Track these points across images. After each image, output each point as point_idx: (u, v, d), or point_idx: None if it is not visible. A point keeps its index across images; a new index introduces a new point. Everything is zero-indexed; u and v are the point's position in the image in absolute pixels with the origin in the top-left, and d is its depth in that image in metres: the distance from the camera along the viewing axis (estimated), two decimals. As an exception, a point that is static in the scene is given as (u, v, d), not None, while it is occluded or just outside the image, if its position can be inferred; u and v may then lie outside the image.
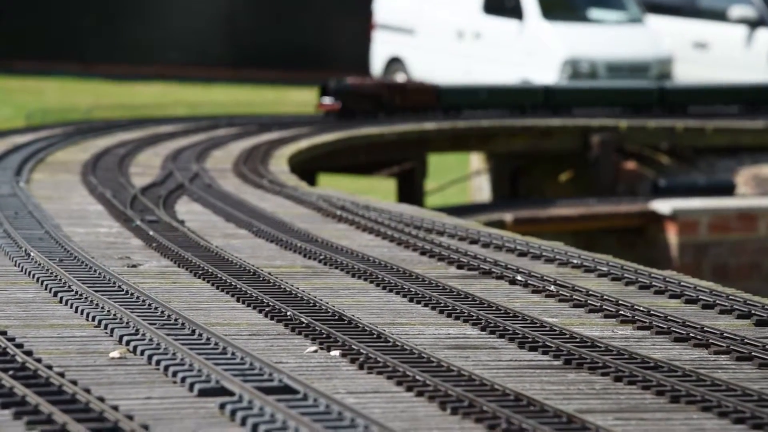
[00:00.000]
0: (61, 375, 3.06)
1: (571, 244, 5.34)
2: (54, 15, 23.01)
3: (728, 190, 11.09)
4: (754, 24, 17.36)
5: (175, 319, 3.65)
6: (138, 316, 3.65)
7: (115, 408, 2.85)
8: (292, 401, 2.93)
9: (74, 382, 3.00)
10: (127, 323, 3.61)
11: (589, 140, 11.32)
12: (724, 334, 3.68)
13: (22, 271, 4.37)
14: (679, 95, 12.57)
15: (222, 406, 2.94)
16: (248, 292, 4.12)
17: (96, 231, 5.34)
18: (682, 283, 4.43)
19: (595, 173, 11.32)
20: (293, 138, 9.23)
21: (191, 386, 3.09)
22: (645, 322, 3.90)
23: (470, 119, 11.02)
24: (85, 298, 3.92)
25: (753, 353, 3.51)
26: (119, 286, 4.05)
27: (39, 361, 3.17)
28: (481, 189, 12.37)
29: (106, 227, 5.45)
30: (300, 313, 3.83)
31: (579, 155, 11.36)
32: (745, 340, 3.61)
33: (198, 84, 18.74)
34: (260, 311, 3.93)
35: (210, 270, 4.44)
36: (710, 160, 11.50)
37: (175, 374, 3.18)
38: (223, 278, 4.31)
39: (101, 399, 2.89)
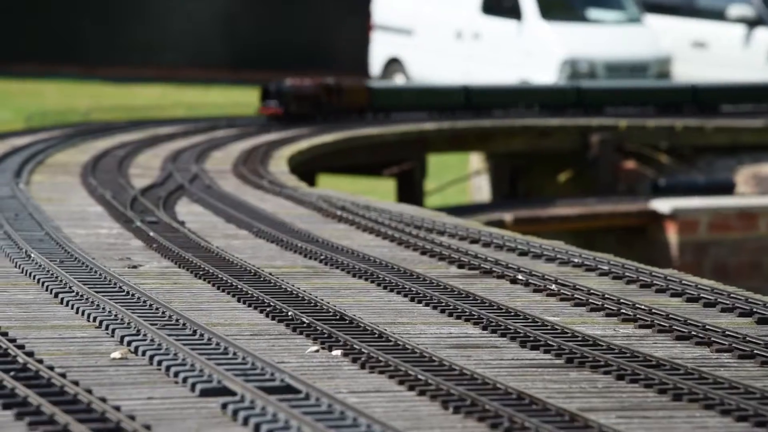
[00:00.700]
0: (63, 376, 3.06)
1: (570, 244, 5.33)
2: (53, 17, 23.00)
3: (728, 189, 11.08)
4: (752, 23, 17.36)
5: (176, 320, 3.64)
6: (139, 316, 3.65)
7: (117, 408, 2.84)
8: (294, 401, 2.93)
9: (76, 383, 3.00)
10: (128, 324, 3.61)
11: (589, 140, 11.32)
12: (726, 333, 3.68)
13: (22, 272, 4.37)
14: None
15: (224, 406, 2.94)
16: (249, 292, 4.11)
17: (96, 232, 5.34)
18: (683, 282, 4.43)
19: (595, 173, 11.32)
20: (293, 139, 9.22)
21: (193, 386, 3.08)
22: (646, 321, 3.90)
23: (469, 120, 10.99)
24: (86, 299, 3.92)
25: (755, 351, 3.51)
26: (120, 287, 4.05)
27: (40, 362, 3.16)
28: (481, 189, 12.37)
29: (106, 228, 5.45)
30: (301, 313, 3.82)
31: (578, 155, 11.35)
32: (747, 338, 3.61)
33: (197, 85, 18.73)
34: (261, 311, 3.93)
35: (211, 270, 4.43)
36: (710, 159, 11.49)
37: (176, 374, 3.17)
38: (224, 279, 4.31)
39: (103, 399, 2.89)
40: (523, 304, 4.14)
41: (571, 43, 16.86)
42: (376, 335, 3.60)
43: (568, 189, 11.44)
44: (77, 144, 8.57)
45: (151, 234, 5.14)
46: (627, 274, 4.62)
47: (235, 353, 3.29)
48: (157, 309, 3.77)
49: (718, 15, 17.75)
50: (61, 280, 4.15)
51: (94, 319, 3.72)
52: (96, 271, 4.27)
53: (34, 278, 4.25)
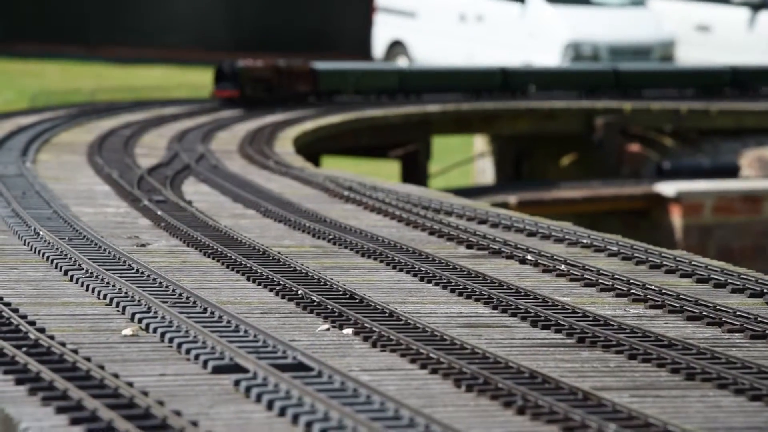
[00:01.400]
0: (75, 352, 3.05)
1: (576, 226, 5.32)
2: (56, -3, 22.85)
3: (732, 172, 11.07)
4: (756, 6, 17.31)
5: (187, 298, 3.64)
6: (150, 294, 3.65)
7: (130, 384, 2.84)
8: (307, 378, 2.92)
9: (88, 359, 3.00)
10: (139, 301, 3.60)
11: (593, 122, 11.29)
12: (737, 313, 3.68)
13: (31, 250, 4.36)
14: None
15: (237, 383, 2.94)
16: (259, 271, 4.11)
17: (104, 211, 5.33)
18: (692, 263, 4.42)
19: (599, 155, 11.30)
20: (298, 120, 9.20)
21: (205, 363, 3.08)
22: (657, 301, 3.90)
23: (474, 102, 10.95)
24: (96, 276, 3.91)
25: (766, 331, 3.50)
26: (129, 265, 4.04)
27: (52, 338, 3.16)
28: (485, 171, 12.35)
29: (113, 207, 5.44)
30: (311, 291, 3.82)
31: (583, 137, 11.33)
32: (759, 319, 3.60)
33: (200, 67, 18.68)
34: (271, 290, 3.93)
35: (219, 249, 4.43)
36: (714, 142, 11.48)
37: (188, 351, 3.17)
38: (233, 257, 4.30)
39: (116, 375, 2.89)
40: (532, 283, 4.14)
41: (575, 26, 16.81)
42: (387, 314, 3.59)
43: (573, 172, 11.43)
44: (83, 123, 8.55)
45: (159, 213, 5.13)
46: (636, 254, 4.62)
47: (246, 331, 3.28)
48: (167, 287, 3.77)
49: (723, -2, 17.67)
50: (70, 258, 4.14)
51: (105, 297, 3.72)
52: (105, 249, 4.26)
53: (43, 256, 4.25)
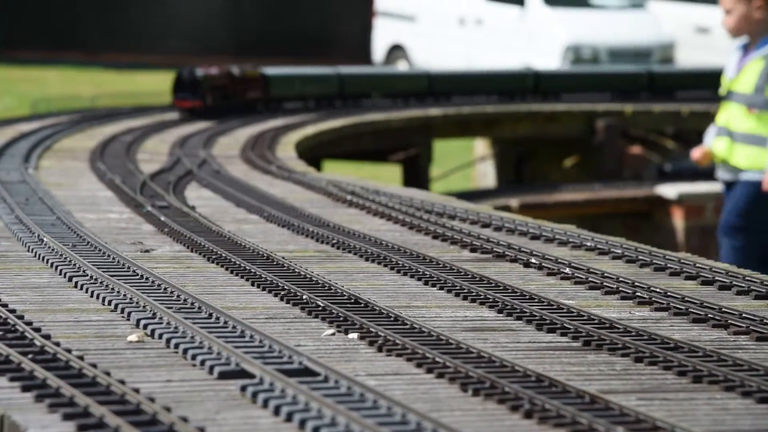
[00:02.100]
0: (81, 358, 3.05)
1: (577, 229, 5.32)
2: (55, 4, 22.92)
3: None
4: (756, 9, 17.26)
5: (192, 303, 3.64)
6: (154, 300, 3.64)
7: (137, 390, 2.83)
8: (313, 383, 2.92)
9: (94, 366, 2.99)
10: (144, 307, 3.60)
11: (594, 125, 11.30)
12: (743, 315, 3.67)
13: (35, 256, 4.36)
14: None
15: (243, 389, 2.93)
16: (263, 276, 4.10)
17: (107, 217, 5.33)
18: (697, 265, 4.42)
19: (601, 158, 11.30)
20: (300, 124, 9.20)
21: (211, 369, 3.08)
22: (662, 304, 3.89)
23: (474, 105, 10.94)
24: (101, 282, 3.91)
25: (772, 333, 3.50)
26: (134, 271, 4.04)
27: (58, 344, 3.16)
28: (486, 175, 12.35)
29: (117, 213, 5.44)
30: (316, 296, 3.81)
31: (584, 140, 11.33)
32: (765, 321, 3.60)
33: (200, 72, 18.58)
34: (276, 295, 3.92)
35: (223, 255, 4.42)
36: (716, 145, 11.44)
37: (194, 357, 3.17)
38: (237, 263, 4.30)
39: (122, 382, 2.88)
40: (537, 287, 4.13)
41: (575, 29, 16.84)
42: (392, 318, 3.59)
43: (574, 174, 11.42)
44: (84, 129, 8.55)
45: (162, 218, 5.13)
46: (640, 257, 4.61)
47: (252, 336, 3.28)
48: (171, 292, 3.76)
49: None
50: (74, 264, 4.14)
51: (109, 303, 3.71)
52: (109, 255, 4.26)
53: (47, 262, 4.25)
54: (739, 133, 7.43)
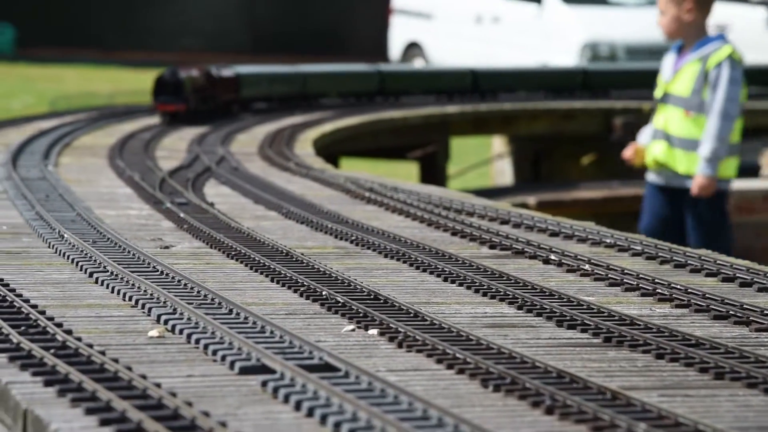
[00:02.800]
0: (102, 353, 3.06)
1: (595, 227, 5.30)
2: (72, 3, 22.98)
3: (753, 171, 11.02)
4: (775, 6, 17.18)
5: (212, 299, 3.64)
6: (174, 295, 3.65)
7: (158, 385, 2.84)
8: (334, 379, 2.92)
9: (116, 361, 3.00)
10: (164, 303, 3.61)
11: (612, 122, 11.26)
12: (765, 312, 3.65)
13: (56, 252, 4.37)
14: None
15: (264, 384, 2.94)
16: (282, 272, 4.11)
17: (127, 213, 5.34)
18: (717, 262, 4.40)
19: (618, 156, 11.26)
20: (317, 121, 9.21)
21: (232, 364, 3.08)
22: (683, 300, 3.88)
23: (492, 102, 10.92)
24: (121, 278, 3.92)
25: (794, 330, 3.49)
26: (154, 267, 4.05)
27: (79, 339, 3.17)
28: (503, 173, 12.33)
29: (136, 209, 5.45)
30: (335, 292, 3.82)
31: (601, 138, 11.30)
32: (786, 318, 3.58)
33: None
34: (295, 291, 3.93)
35: (242, 251, 4.43)
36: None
37: (215, 353, 3.17)
38: (257, 259, 4.30)
39: (144, 377, 2.89)
40: (557, 283, 4.12)
41: (592, 26, 16.80)
42: (412, 314, 3.59)
43: (591, 172, 11.39)
44: (102, 127, 8.57)
45: (182, 215, 5.14)
46: (660, 254, 4.60)
47: (272, 332, 3.28)
48: (191, 288, 3.77)
49: (741, -3, 17.62)
50: (95, 260, 4.15)
51: (130, 298, 3.72)
52: (129, 252, 4.27)
53: (67, 258, 4.26)
54: (677, 137, 7.35)
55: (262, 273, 4.17)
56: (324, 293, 3.83)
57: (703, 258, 4.47)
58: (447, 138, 10.78)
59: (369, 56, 19.15)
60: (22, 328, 3.27)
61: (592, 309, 3.71)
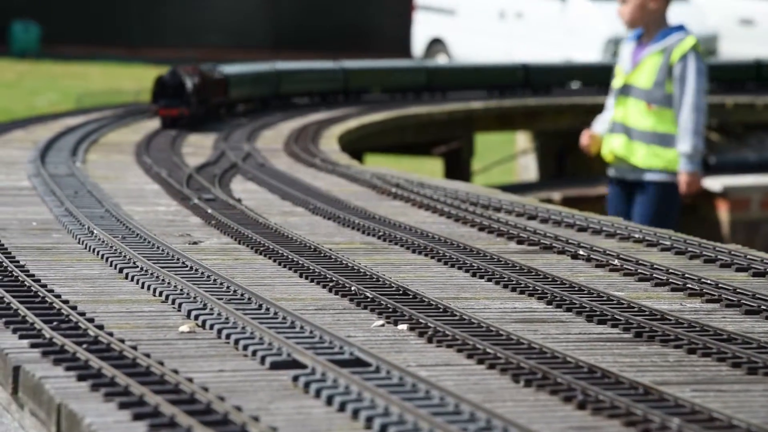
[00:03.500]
0: (134, 348, 3.07)
1: (619, 223, 5.28)
2: (98, 0, 23.05)
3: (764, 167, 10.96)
4: (801, 0, 17.08)
5: (241, 294, 3.65)
6: (204, 291, 3.66)
7: (190, 380, 2.85)
8: (365, 373, 2.92)
9: (147, 356, 3.01)
10: (195, 298, 3.62)
11: (637, 118, 11.19)
12: (796, 307, 3.63)
13: (86, 248, 4.39)
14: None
15: (295, 379, 2.94)
16: (311, 267, 4.11)
17: (155, 209, 5.36)
18: (748, 257, 4.38)
19: (644, 151, 11.19)
20: (342, 117, 9.21)
21: (263, 359, 3.09)
22: (714, 295, 3.86)
23: (514, 97, 10.89)
24: (151, 274, 3.93)
25: (827, 325, 3.46)
26: (183, 263, 4.06)
27: (111, 335, 3.18)
28: (528, 168, 12.30)
29: (164, 206, 5.47)
30: (364, 288, 3.82)
31: (627, 133, 11.23)
32: (819, 313, 3.56)
33: (240, 67, 18.66)
34: (324, 286, 3.93)
35: (271, 246, 4.44)
36: (761, 137, 11.35)
37: (245, 348, 3.18)
38: (285, 254, 4.31)
39: (175, 371, 2.90)
40: (586, 279, 4.11)
41: (615, 22, 16.71)
42: (441, 310, 3.59)
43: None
44: (129, 124, 8.60)
45: (209, 211, 5.16)
46: (690, 249, 4.58)
47: (302, 327, 3.29)
48: (221, 284, 3.78)
49: (767, -9, 17.48)
50: (125, 256, 4.17)
51: (160, 294, 3.74)
52: (158, 247, 4.29)
53: (97, 254, 4.28)
54: (638, 131, 7.07)
55: (290, 269, 4.18)
56: (353, 289, 3.83)
57: (733, 253, 4.44)
58: (471, 134, 10.76)
59: (392, 52, 19.13)
60: (55, 323, 3.29)
61: (623, 304, 3.69)
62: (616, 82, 7.22)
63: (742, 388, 2.97)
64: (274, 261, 4.30)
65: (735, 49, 17.06)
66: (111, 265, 4.12)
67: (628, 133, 7.10)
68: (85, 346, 3.08)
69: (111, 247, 4.31)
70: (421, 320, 3.46)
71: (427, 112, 10.02)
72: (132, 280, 3.94)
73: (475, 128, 10.81)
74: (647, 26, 7.09)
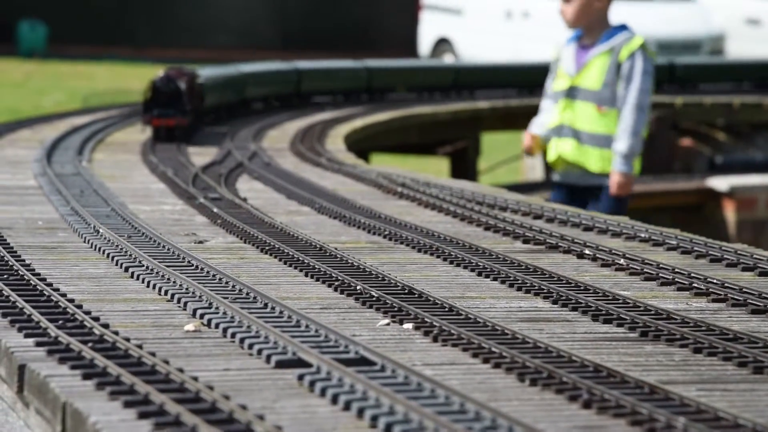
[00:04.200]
0: (140, 347, 3.07)
1: (627, 222, 5.27)
2: (105, 0, 23.07)
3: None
4: (808, 0, 17.04)
5: (247, 293, 3.65)
6: (210, 289, 3.66)
7: (195, 379, 2.85)
8: (370, 372, 2.92)
9: (153, 354, 3.01)
10: (200, 297, 3.62)
11: (644, 117, 11.18)
12: (803, 306, 3.62)
13: (92, 247, 4.40)
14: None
15: (300, 378, 2.94)
16: (316, 266, 4.11)
17: (161, 208, 5.36)
18: (754, 256, 4.37)
19: (651, 150, 11.20)
20: (348, 117, 9.21)
21: (268, 358, 3.09)
22: (720, 295, 3.85)
23: (520, 98, 10.88)
24: (157, 272, 3.94)
25: (834, 325, 3.45)
26: (189, 262, 4.06)
27: (116, 333, 3.18)
28: (534, 168, 12.29)
29: (170, 205, 5.47)
30: (370, 287, 3.82)
31: (633, 133, 11.22)
32: (825, 312, 3.55)
33: (247, 66, 18.67)
34: (330, 285, 3.93)
35: (276, 246, 4.44)
36: (767, 137, 11.33)
37: (251, 346, 3.18)
38: (291, 253, 4.31)
39: (181, 370, 2.90)
40: (591, 278, 4.11)
41: (623, 21, 16.69)
42: (446, 309, 3.58)
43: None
44: (135, 123, 8.61)
45: (215, 210, 5.16)
46: (696, 248, 4.57)
47: (307, 326, 3.29)
48: (226, 283, 3.78)
49: (773, -9, 17.47)
50: (130, 255, 4.17)
51: (166, 293, 3.74)
52: (164, 246, 4.29)
53: (103, 253, 4.28)
54: (588, 134, 6.79)
55: (296, 268, 4.18)
56: (358, 288, 3.83)
57: (739, 252, 4.43)
58: (477, 133, 10.76)
59: (398, 52, 19.12)
60: (60, 322, 3.29)
61: (628, 303, 3.69)
62: (559, 85, 6.93)
63: (747, 387, 2.96)
64: (280, 260, 4.30)
65: (742, 48, 17.03)
66: (117, 264, 4.12)
67: (578, 136, 6.81)
68: (90, 344, 3.09)
69: (117, 246, 4.32)
70: (426, 319, 3.46)
71: (432, 112, 10.02)
72: (137, 279, 3.94)
73: (481, 128, 10.81)
74: (590, 26, 6.68)
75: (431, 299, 3.68)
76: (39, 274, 3.84)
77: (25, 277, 3.78)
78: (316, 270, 4.09)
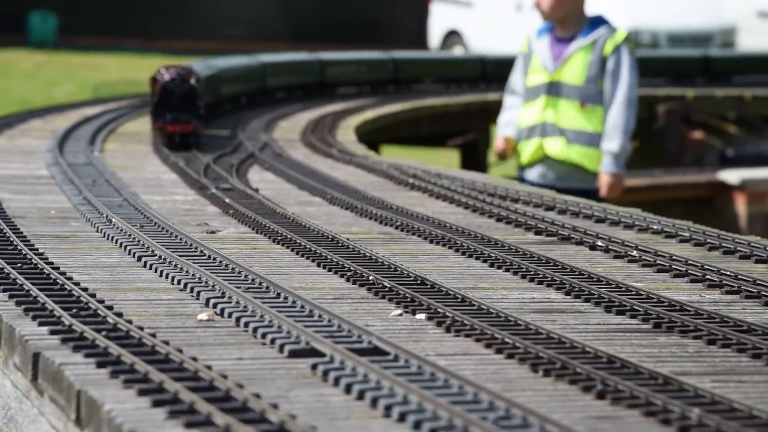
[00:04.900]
0: (153, 336, 3.08)
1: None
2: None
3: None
4: (819, -8, 16.97)
5: (260, 283, 3.65)
6: (223, 279, 3.67)
7: (209, 368, 2.86)
8: (384, 362, 2.92)
9: (166, 343, 3.02)
10: (213, 286, 3.63)
11: (655, 110, 11.17)
12: (817, 298, 3.61)
13: (104, 236, 4.40)
14: None
15: (314, 367, 2.94)
16: (328, 257, 4.11)
17: (173, 199, 5.37)
18: (767, 248, 4.36)
19: (662, 143, 11.18)
20: (359, 108, 9.21)
21: (281, 347, 3.09)
22: (733, 287, 3.84)
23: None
24: (169, 262, 3.94)
25: None
26: (201, 251, 4.07)
27: (130, 322, 3.19)
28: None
29: (181, 195, 5.48)
30: (382, 277, 3.82)
31: (645, 125, 11.21)
32: (839, 304, 3.54)
33: (257, 58, 18.67)
34: (342, 276, 3.93)
35: (288, 236, 4.44)
36: (779, 130, 11.29)
37: (264, 336, 3.18)
38: (303, 244, 4.31)
39: (194, 359, 2.90)
40: (604, 269, 4.10)
41: (634, 14, 16.66)
42: (459, 299, 3.58)
43: (635, 160, 11.30)
44: (146, 114, 8.62)
45: (227, 200, 5.16)
46: (709, 240, 4.56)
47: (320, 316, 3.29)
48: (239, 272, 3.79)
49: (786, -17, 17.41)
50: (143, 244, 4.18)
51: (179, 282, 3.74)
52: (176, 236, 4.29)
53: (116, 242, 4.29)
54: (572, 131, 6.39)
55: (308, 258, 4.18)
56: (371, 278, 3.83)
57: (752, 244, 4.42)
58: (488, 125, 10.75)
59: (408, 45, 19.10)
60: (74, 311, 3.29)
61: (641, 295, 3.68)
62: (535, 80, 6.33)
63: (762, 378, 2.96)
64: (292, 250, 4.30)
65: (753, 41, 16.97)
66: (129, 254, 4.13)
67: (565, 135, 6.43)
68: (104, 333, 3.09)
69: (129, 235, 4.32)
70: (439, 310, 3.46)
71: (443, 104, 10.01)
72: (150, 268, 3.94)
73: (491, 120, 10.79)
74: (566, 18, 6.29)
75: (444, 290, 3.67)
76: (52, 263, 3.85)
77: (38, 266, 3.79)
78: (329, 260, 4.09)
